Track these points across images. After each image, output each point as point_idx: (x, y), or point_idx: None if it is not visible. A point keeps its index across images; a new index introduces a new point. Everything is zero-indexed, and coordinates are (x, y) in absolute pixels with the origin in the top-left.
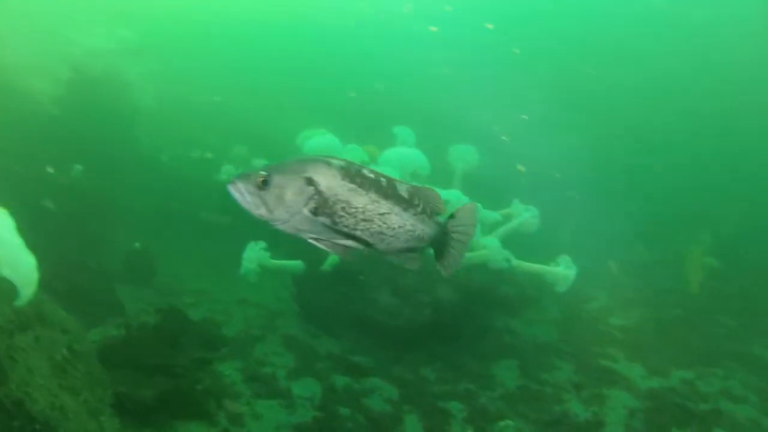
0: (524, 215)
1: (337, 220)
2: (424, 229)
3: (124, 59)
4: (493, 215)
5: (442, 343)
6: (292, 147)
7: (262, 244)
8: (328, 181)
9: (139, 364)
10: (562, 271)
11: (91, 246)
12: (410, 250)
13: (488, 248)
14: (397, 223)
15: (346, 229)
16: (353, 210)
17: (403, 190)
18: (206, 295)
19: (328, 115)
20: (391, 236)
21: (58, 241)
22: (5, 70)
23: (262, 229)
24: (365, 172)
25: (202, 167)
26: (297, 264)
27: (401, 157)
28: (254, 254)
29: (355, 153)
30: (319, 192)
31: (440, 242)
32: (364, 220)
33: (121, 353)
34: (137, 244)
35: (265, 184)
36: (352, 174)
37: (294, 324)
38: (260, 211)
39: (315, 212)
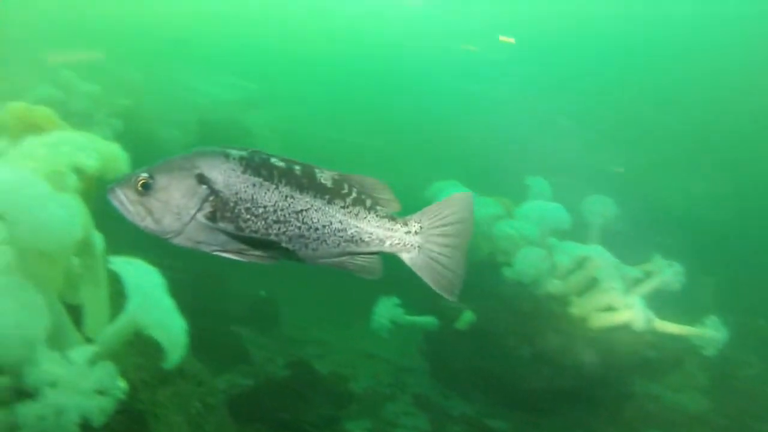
0: (667, 272)
1: (243, 224)
2: (360, 227)
3: (246, 108)
4: (634, 272)
5: (581, 409)
6: (423, 199)
7: (395, 299)
8: (225, 176)
9: (269, 418)
10: (710, 333)
11: (217, 293)
12: (353, 256)
13: (630, 308)
14: (320, 221)
15: (256, 236)
16: (261, 210)
17: (325, 179)
18: (331, 346)
19: (452, 162)
20: (316, 239)
21: (186, 289)
22: (137, 118)
23: (389, 281)
24: (274, 161)
25: None
26: (430, 320)
27: (541, 211)
28: (387, 310)
29: (489, 206)
30: (214, 191)
31: (410, 250)
32: (277, 221)
33: (251, 406)
34: (262, 292)
35: (146, 187)
36: (255, 165)
37: (425, 382)
38: (146, 223)
39: (213, 217)
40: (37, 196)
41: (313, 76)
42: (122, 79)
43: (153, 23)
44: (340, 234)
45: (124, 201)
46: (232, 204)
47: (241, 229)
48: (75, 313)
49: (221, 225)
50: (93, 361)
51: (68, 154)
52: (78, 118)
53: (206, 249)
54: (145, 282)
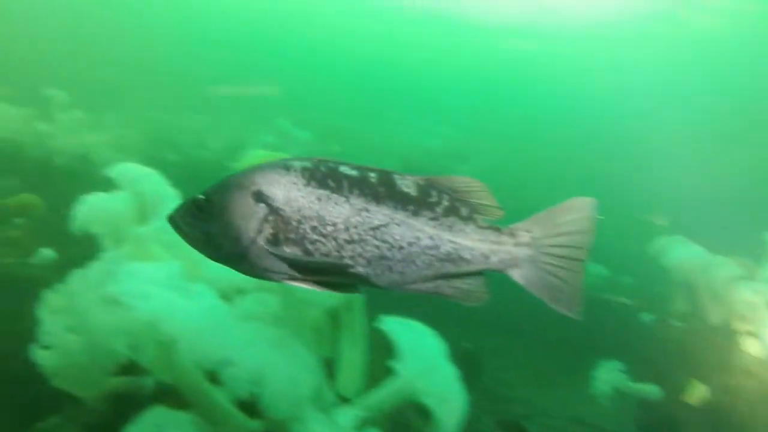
0: None
1: (310, 247)
2: (457, 242)
3: (451, 158)
4: None
5: None
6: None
7: (617, 364)
8: (285, 191)
9: None
10: None
11: None
12: (450, 278)
13: None
14: (404, 238)
15: (327, 260)
16: (330, 229)
17: (407, 186)
18: (538, 407)
19: (677, 214)
20: (401, 260)
21: None
22: None
23: (605, 343)
24: (344, 169)
25: None
26: (653, 389)
27: None
28: (609, 375)
29: (725, 267)
30: (274, 210)
31: (521, 265)
32: (350, 241)
33: None
34: (466, 344)
35: (202, 210)
36: (321, 175)
37: None
38: (206, 250)
39: (275, 240)
40: None
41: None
42: (333, 126)
43: (366, 69)
44: (432, 252)
45: (182, 226)
46: (295, 223)
47: (310, 253)
48: (327, 367)
49: (286, 249)
50: (360, 428)
51: None
52: None
53: (276, 278)
54: (423, 345)
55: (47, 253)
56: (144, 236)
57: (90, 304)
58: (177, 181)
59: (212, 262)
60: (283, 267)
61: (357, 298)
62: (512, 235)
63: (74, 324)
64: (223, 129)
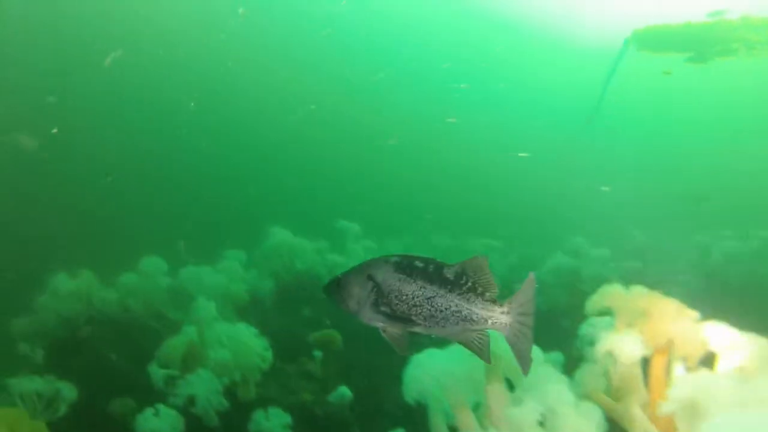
0: None
1: (394, 307)
2: (470, 309)
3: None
4: None
5: None
6: None
7: None
8: (383, 275)
9: None
10: None
11: None
12: (470, 332)
13: None
14: (443, 305)
15: (403, 315)
16: (405, 297)
17: (449, 273)
18: None
19: None
20: (442, 318)
21: None
22: None
23: None
24: (416, 263)
25: None
26: None
27: None
28: None
29: None
30: (377, 285)
31: (504, 328)
32: (415, 305)
33: None
34: None
35: (339, 284)
36: (403, 266)
37: None
38: (342, 305)
39: (377, 303)
40: None
41: None
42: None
43: None
44: (457, 314)
45: (329, 293)
46: (386, 293)
47: (394, 311)
48: None
49: (382, 308)
50: None
51: None
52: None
53: (376, 324)
54: None
55: (344, 391)
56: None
57: None
58: None
59: None
60: (380, 317)
61: None
62: (500, 306)
63: None
64: None
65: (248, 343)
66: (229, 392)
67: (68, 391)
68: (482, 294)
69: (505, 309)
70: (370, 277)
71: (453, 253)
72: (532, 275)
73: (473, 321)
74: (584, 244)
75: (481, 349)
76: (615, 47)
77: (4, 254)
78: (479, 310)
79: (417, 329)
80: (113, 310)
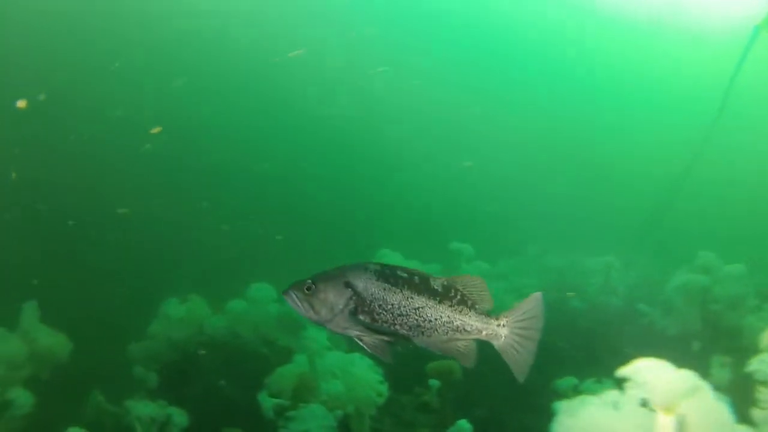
0: None
1: (376, 316)
2: (463, 320)
3: None
4: None
5: None
6: None
7: None
8: (364, 283)
9: None
10: None
11: None
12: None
13: None
14: (432, 315)
15: (385, 325)
16: (390, 306)
17: (437, 285)
18: None
19: None
20: (430, 328)
21: None
22: None
23: None
24: (400, 272)
25: None
26: None
27: None
28: None
29: None
30: (356, 293)
31: (499, 338)
32: (400, 315)
33: None
34: None
35: (310, 290)
36: (386, 275)
37: None
38: (309, 314)
39: (355, 311)
40: None
41: None
42: None
43: None
44: (448, 325)
45: (296, 299)
46: (368, 302)
47: (375, 320)
48: None
49: (360, 317)
50: None
51: None
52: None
53: (350, 334)
54: None
55: (464, 425)
56: None
57: None
58: None
59: None
60: (358, 327)
61: None
62: (497, 319)
63: None
64: None
65: (363, 376)
66: (342, 425)
67: (179, 417)
68: (473, 306)
69: (503, 322)
70: (349, 284)
71: (569, 273)
72: (539, 294)
73: (466, 331)
74: (714, 259)
75: (465, 354)
76: (741, 35)
77: (122, 275)
78: (474, 321)
79: (397, 338)
80: (222, 335)
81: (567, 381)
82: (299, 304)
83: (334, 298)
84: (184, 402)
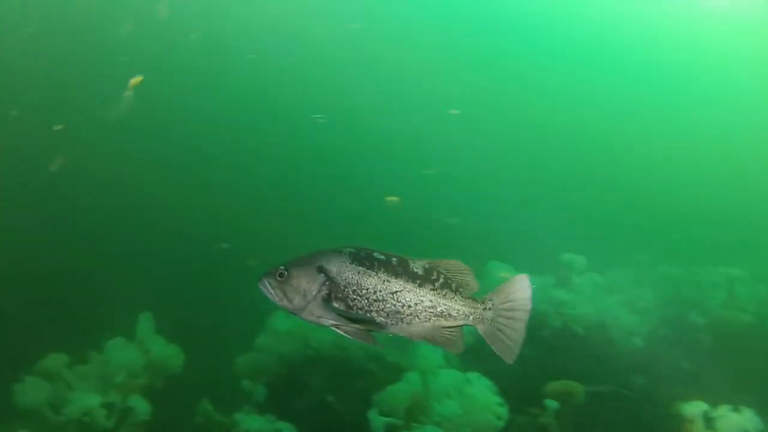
0: None
1: (350, 303)
2: (448, 305)
3: None
4: None
5: None
6: None
7: None
8: (337, 267)
9: None
10: None
11: None
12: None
13: None
14: (412, 300)
15: (361, 312)
16: (364, 291)
17: (417, 267)
18: None
19: None
20: (410, 314)
21: None
22: None
23: None
24: (376, 254)
25: None
26: None
27: None
28: None
29: None
30: (330, 278)
31: (485, 322)
32: (376, 300)
33: None
34: None
35: (282, 276)
36: (361, 258)
37: None
38: (283, 302)
39: (329, 298)
40: None
41: None
42: None
43: None
44: (431, 310)
45: (268, 286)
46: (342, 287)
47: (350, 307)
48: None
49: (335, 304)
50: None
51: None
52: None
53: (325, 323)
54: None
55: None
56: None
57: None
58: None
59: None
60: (332, 315)
61: None
62: (482, 302)
63: None
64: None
65: (480, 397)
66: None
67: None
68: (458, 290)
69: (488, 305)
70: (321, 269)
71: (685, 286)
72: (524, 276)
73: (451, 317)
74: None
75: (452, 341)
76: None
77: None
78: (460, 306)
79: (375, 327)
80: (328, 350)
81: (695, 405)
82: (272, 291)
83: (307, 285)
84: (292, 416)
